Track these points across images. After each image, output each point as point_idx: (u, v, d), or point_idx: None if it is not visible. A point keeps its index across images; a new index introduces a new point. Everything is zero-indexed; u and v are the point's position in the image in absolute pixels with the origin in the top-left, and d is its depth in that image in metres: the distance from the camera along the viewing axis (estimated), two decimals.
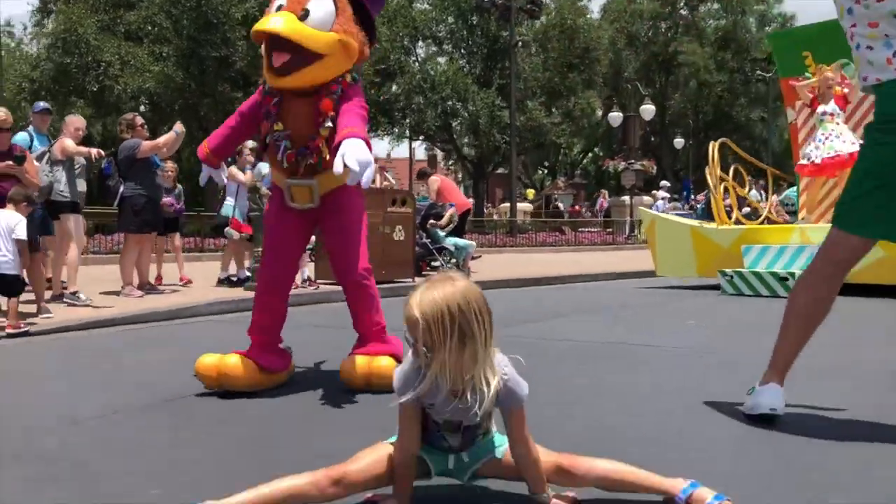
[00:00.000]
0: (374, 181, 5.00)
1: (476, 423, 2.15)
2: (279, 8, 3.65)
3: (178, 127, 8.50)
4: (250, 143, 10.13)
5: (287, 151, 3.68)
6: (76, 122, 8.19)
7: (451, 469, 2.25)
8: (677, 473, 2.15)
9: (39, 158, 7.72)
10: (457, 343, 1.99)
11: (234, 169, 9.65)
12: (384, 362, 3.65)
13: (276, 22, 3.53)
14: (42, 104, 8.99)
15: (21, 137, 8.43)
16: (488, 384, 2.05)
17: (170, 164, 9.82)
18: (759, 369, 3.17)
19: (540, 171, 50.88)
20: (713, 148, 10.22)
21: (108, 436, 2.98)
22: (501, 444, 2.25)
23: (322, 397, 3.63)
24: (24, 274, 6.46)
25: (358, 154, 3.18)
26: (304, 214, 3.81)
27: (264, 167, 9.95)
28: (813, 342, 3.14)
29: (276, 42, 3.54)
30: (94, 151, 7.80)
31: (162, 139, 8.18)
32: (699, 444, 2.82)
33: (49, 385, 4.06)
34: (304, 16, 3.57)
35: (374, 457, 2.15)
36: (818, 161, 9.35)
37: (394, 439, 2.19)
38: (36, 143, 8.46)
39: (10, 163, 6.70)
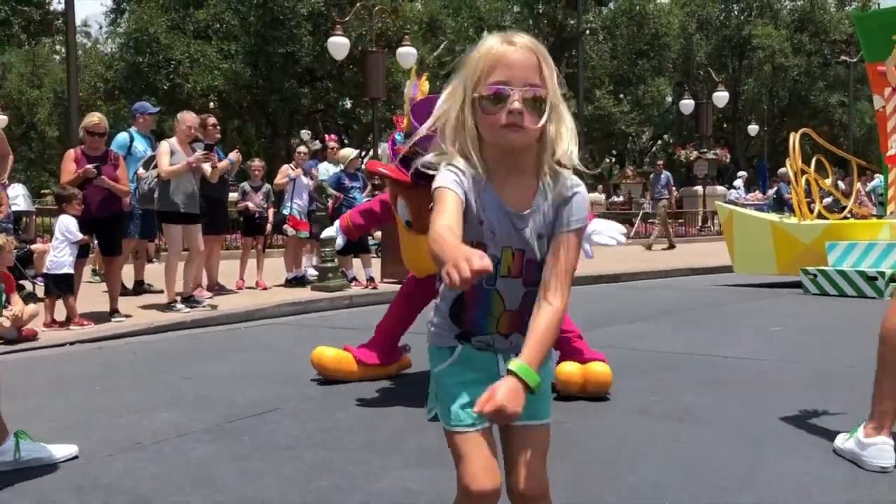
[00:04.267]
0: None
1: (539, 257, 1.64)
2: (408, 223, 3.79)
3: (235, 156, 8.50)
4: (303, 148, 10.19)
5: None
6: (187, 119, 7.56)
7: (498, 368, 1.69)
8: None
9: (147, 164, 7.42)
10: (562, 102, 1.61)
11: (286, 167, 9.71)
12: (598, 368, 3.76)
13: (420, 265, 3.88)
14: (149, 107, 8.93)
15: (121, 139, 8.28)
16: (560, 181, 1.64)
17: (257, 163, 9.88)
18: (851, 387, 2.88)
19: (608, 160, 50.01)
20: (794, 139, 9.73)
21: (172, 464, 2.90)
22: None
23: (396, 416, 3.51)
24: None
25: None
26: None
27: (323, 167, 10.01)
28: None
29: None
30: (198, 156, 7.25)
31: (221, 164, 8.01)
32: (780, 487, 2.59)
33: (115, 398, 4.03)
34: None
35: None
36: (892, 153, 8.90)
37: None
38: (136, 143, 8.38)
39: (90, 167, 6.63)
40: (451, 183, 1.58)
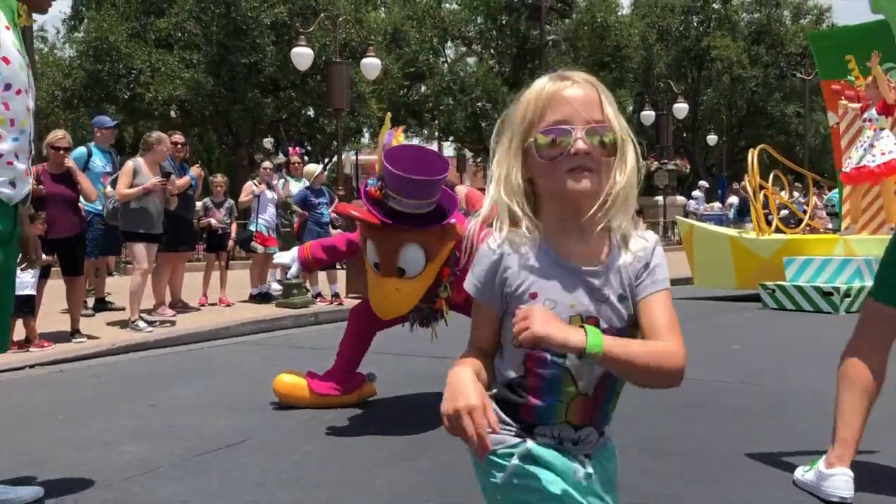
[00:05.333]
0: None
1: (622, 324, 1.36)
2: (376, 265, 3.70)
3: (196, 171, 8.45)
4: (268, 164, 10.13)
5: (415, 322, 4.10)
6: (167, 142, 7.67)
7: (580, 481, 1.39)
8: None
9: (115, 182, 7.36)
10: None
11: (250, 184, 9.66)
12: None
13: (399, 307, 3.78)
14: (107, 121, 8.80)
15: (78, 153, 8.08)
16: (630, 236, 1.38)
17: (219, 178, 9.79)
18: (808, 413, 2.95)
19: None
20: (752, 155, 9.95)
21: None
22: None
23: (365, 449, 3.51)
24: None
25: None
26: None
27: (292, 183, 9.96)
28: None
29: None
30: (154, 181, 7.21)
31: (182, 182, 7.95)
32: None
33: (79, 428, 3.98)
34: (401, 273, 3.65)
35: None
36: (847, 170, 9.25)
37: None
38: (95, 158, 8.25)
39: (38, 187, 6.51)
40: (472, 288, 1.41)
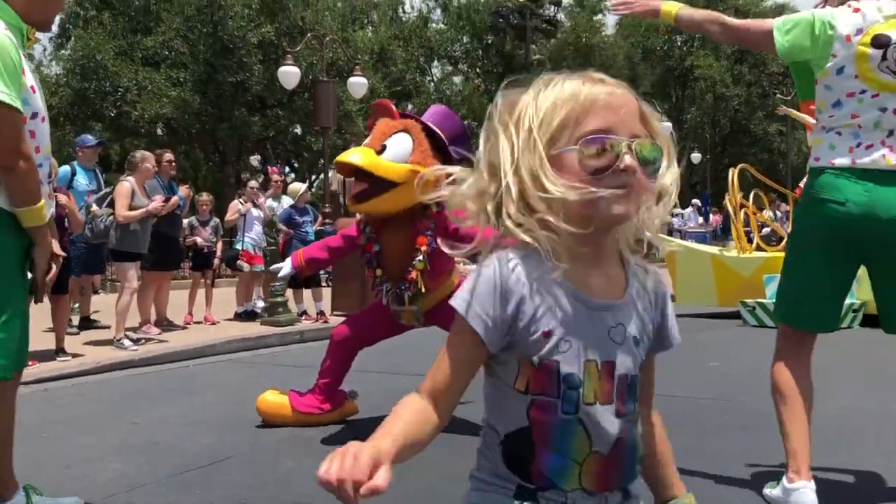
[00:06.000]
0: None
1: (636, 371, 1.19)
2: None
3: (185, 191, 8.52)
4: (254, 183, 10.22)
5: (389, 292, 4.04)
6: (151, 159, 7.77)
7: None
8: None
9: (101, 200, 7.44)
10: None
11: (236, 203, 9.73)
12: None
13: (354, 155, 3.80)
14: (88, 140, 8.84)
15: (62, 172, 8.06)
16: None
17: (205, 197, 9.83)
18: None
19: None
20: (733, 174, 10.11)
21: None
22: None
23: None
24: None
25: None
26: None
27: (275, 203, 10.03)
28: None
29: (356, 172, 3.84)
30: (157, 205, 7.42)
31: (171, 202, 7.99)
32: None
33: (63, 446, 4.01)
34: (381, 150, 3.82)
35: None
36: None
37: None
38: (79, 177, 8.31)
39: None
40: (474, 317, 1.12)
